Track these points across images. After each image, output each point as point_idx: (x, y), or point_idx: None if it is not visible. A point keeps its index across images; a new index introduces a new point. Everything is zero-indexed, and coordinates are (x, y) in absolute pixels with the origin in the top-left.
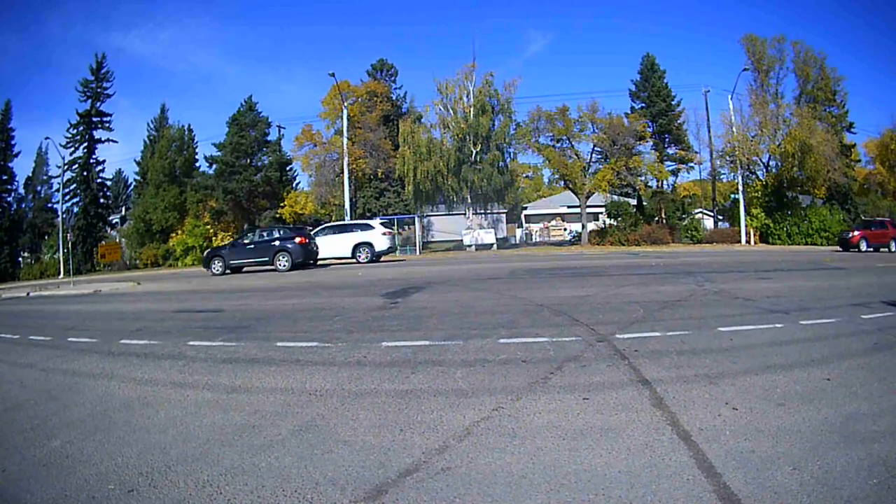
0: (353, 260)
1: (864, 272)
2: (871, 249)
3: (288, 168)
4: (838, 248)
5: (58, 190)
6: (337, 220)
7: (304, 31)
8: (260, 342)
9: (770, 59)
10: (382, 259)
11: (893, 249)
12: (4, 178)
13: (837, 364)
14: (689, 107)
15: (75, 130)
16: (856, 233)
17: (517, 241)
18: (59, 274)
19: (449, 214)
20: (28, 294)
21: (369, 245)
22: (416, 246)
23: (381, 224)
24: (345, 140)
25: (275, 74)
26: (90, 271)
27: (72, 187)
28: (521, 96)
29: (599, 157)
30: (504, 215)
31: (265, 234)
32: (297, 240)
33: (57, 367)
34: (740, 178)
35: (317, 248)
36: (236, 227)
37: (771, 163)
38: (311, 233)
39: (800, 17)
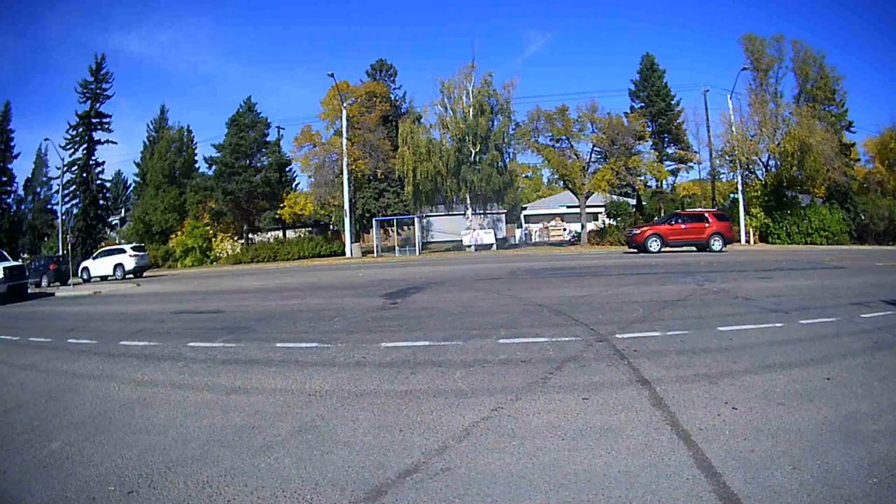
0: (114, 277)
1: (864, 272)
2: (685, 249)
3: (287, 169)
4: (630, 249)
5: (57, 191)
6: (337, 222)
7: (303, 31)
8: (260, 343)
9: (769, 59)
10: (379, 258)
11: (718, 248)
12: (4, 179)
13: (837, 363)
14: (689, 106)
15: (75, 132)
16: (643, 228)
17: (517, 242)
18: None
19: (448, 215)
20: None
21: (121, 265)
22: (415, 246)
23: (133, 248)
24: (344, 141)
25: (274, 75)
26: None
27: (71, 189)
28: (521, 96)
29: (599, 156)
30: (503, 215)
31: None
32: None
33: (57, 368)
34: (740, 178)
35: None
36: (236, 227)
37: (770, 162)
38: (95, 254)
39: (799, 16)
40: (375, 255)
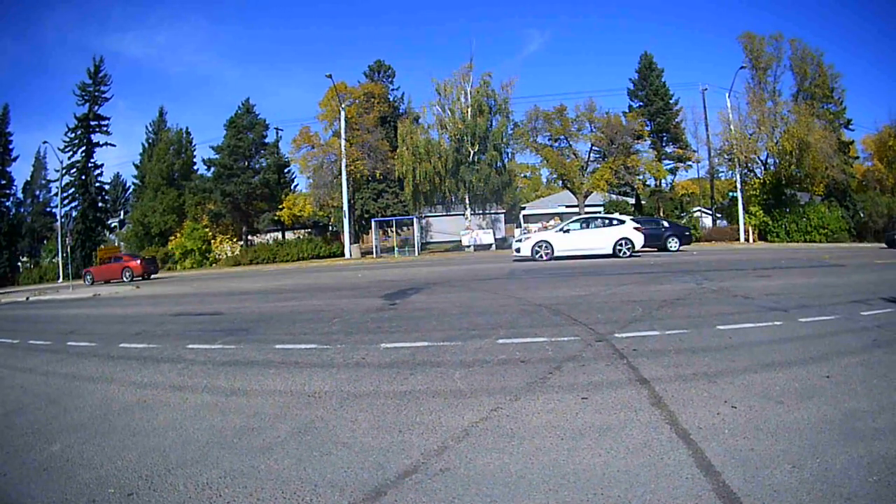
0: None
1: (864, 269)
2: None
3: (286, 170)
4: None
5: (56, 194)
6: (336, 223)
7: (301, 33)
8: (259, 345)
9: (767, 57)
10: (378, 259)
11: None
12: (3, 182)
13: (837, 361)
14: (687, 105)
15: (73, 134)
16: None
17: None
18: (58, 278)
19: (447, 215)
20: (27, 298)
21: None
22: (414, 247)
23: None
24: (342, 142)
25: (272, 76)
26: None
27: (70, 191)
28: (519, 96)
29: (597, 156)
30: (502, 215)
31: None
32: None
33: (57, 371)
34: (738, 176)
35: None
36: (235, 229)
37: (769, 160)
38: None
39: (797, 15)
40: (374, 255)
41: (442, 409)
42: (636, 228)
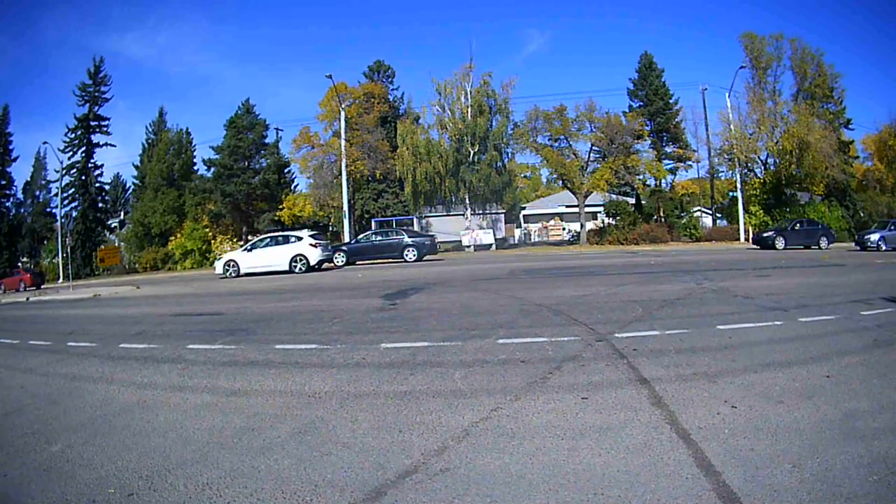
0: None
1: (863, 269)
2: None
3: (286, 170)
4: None
5: (56, 194)
6: (336, 223)
7: (301, 33)
8: (259, 345)
9: (768, 57)
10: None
11: None
12: (3, 183)
13: (837, 361)
14: (687, 105)
15: (73, 135)
16: None
17: (516, 242)
18: (58, 278)
19: (447, 215)
20: (28, 299)
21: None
22: None
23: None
24: (342, 142)
25: (272, 77)
26: (89, 275)
27: (70, 192)
28: (519, 96)
29: (597, 156)
30: (502, 215)
31: None
32: None
33: (57, 371)
34: (738, 176)
35: None
36: (235, 230)
37: (769, 160)
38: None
39: (797, 15)
40: None
41: (442, 409)
42: (312, 245)
